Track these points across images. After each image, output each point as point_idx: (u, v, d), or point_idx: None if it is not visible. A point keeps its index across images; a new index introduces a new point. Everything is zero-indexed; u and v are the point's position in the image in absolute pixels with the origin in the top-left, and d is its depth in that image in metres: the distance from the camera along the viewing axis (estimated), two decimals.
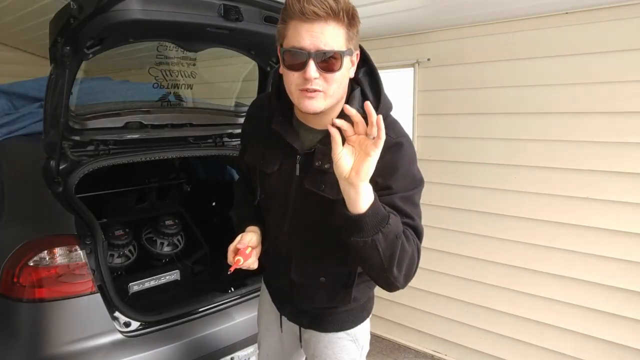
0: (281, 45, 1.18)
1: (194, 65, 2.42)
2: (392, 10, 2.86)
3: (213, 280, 2.71)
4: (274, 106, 1.35)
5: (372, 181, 1.08)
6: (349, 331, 1.48)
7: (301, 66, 1.13)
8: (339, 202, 1.09)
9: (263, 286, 1.69)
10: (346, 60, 1.16)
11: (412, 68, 3.23)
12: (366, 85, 1.29)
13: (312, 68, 1.12)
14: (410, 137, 3.38)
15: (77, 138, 2.11)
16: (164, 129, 2.40)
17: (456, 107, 3.07)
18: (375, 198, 1.07)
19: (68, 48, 1.70)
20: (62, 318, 1.76)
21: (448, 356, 3.29)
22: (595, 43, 2.50)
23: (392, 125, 1.25)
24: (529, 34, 2.71)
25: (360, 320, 1.51)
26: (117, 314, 1.85)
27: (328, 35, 1.11)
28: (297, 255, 1.38)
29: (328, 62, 1.13)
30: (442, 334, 3.29)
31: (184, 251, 2.95)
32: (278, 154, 1.34)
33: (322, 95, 1.16)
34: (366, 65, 1.32)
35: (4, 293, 1.77)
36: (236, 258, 1.29)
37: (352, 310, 1.47)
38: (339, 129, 1.06)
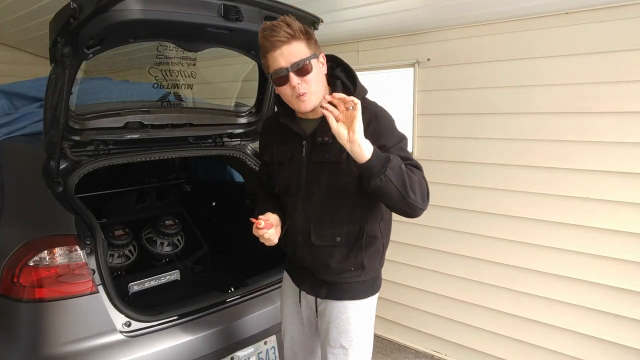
0: (269, 73, 1.57)
1: (194, 65, 2.42)
2: (392, 10, 2.86)
3: (213, 280, 2.72)
4: (280, 112, 1.74)
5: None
6: (361, 301, 1.73)
7: (285, 80, 1.52)
8: (354, 163, 1.44)
9: (285, 275, 1.95)
10: (314, 62, 1.54)
11: (412, 68, 3.24)
12: (344, 78, 1.68)
13: (293, 78, 1.51)
14: (410, 137, 3.39)
15: (77, 138, 2.11)
16: (164, 129, 2.40)
17: (456, 107, 3.07)
18: (374, 147, 1.42)
19: (68, 48, 1.70)
20: (62, 318, 1.76)
21: (448, 356, 3.29)
22: (595, 43, 2.50)
23: (369, 104, 1.64)
24: (529, 34, 2.72)
25: (371, 292, 1.76)
26: (117, 314, 1.84)
27: (294, 50, 1.50)
28: (315, 222, 1.66)
29: (302, 68, 1.51)
30: (442, 334, 3.29)
31: (184, 251, 2.95)
32: (288, 145, 1.71)
33: (309, 95, 1.54)
34: (341, 66, 1.71)
35: (4, 293, 1.77)
36: (260, 220, 1.58)
37: (364, 282, 1.72)
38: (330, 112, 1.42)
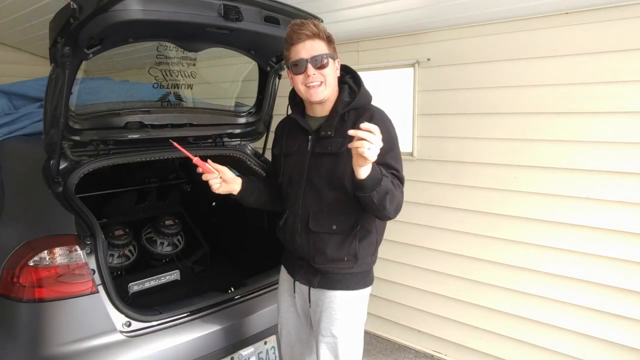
0: (288, 63, 1.76)
1: (194, 65, 2.42)
2: (392, 10, 2.86)
3: (213, 280, 2.72)
4: (292, 109, 1.92)
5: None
6: (353, 292, 1.81)
7: (303, 70, 1.71)
8: (352, 175, 1.57)
9: (282, 269, 2.02)
10: (331, 61, 1.74)
11: (412, 68, 3.24)
12: (352, 84, 1.86)
13: (310, 68, 1.70)
14: (410, 137, 3.38)
15: (77, 138, 2.11)
16: (164, 129, 2.39)
17: (456, 107, 3.07)
18: (372, 171, 1.52)
19: (68, 48, 1.70)
20: (62, 318, 1.76)
21: (448, 356, 3.29)
22: (595, 43, 2.50)
23: (372, 108, 1.81)
24: (529, 34, 2.72)
25: (363, 285, 1.84)
26: (117, 314, 1.84)
27: (316, 46, 1.71)
28: (314, 209, 1.79)
29: (320, 62, 1.71)
30: (442, 334, 3.29)
31: (184, 251, 2.95)
32: (296, 139, 1.87)
33: (323, 85, 1.73)
34: (350, 73, 1.90)
35: (4, 293, 1.77)
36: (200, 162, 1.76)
37: (356, 274, 1.81)
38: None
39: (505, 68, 2.83)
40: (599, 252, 2.57)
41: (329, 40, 1.75)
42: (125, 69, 3.50)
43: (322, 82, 1.72)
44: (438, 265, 3.24)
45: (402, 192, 1.68)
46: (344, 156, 1.68)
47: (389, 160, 1.68)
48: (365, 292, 1.87)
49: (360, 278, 1.83)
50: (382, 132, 1.66)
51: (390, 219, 1.70)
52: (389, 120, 1.78)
